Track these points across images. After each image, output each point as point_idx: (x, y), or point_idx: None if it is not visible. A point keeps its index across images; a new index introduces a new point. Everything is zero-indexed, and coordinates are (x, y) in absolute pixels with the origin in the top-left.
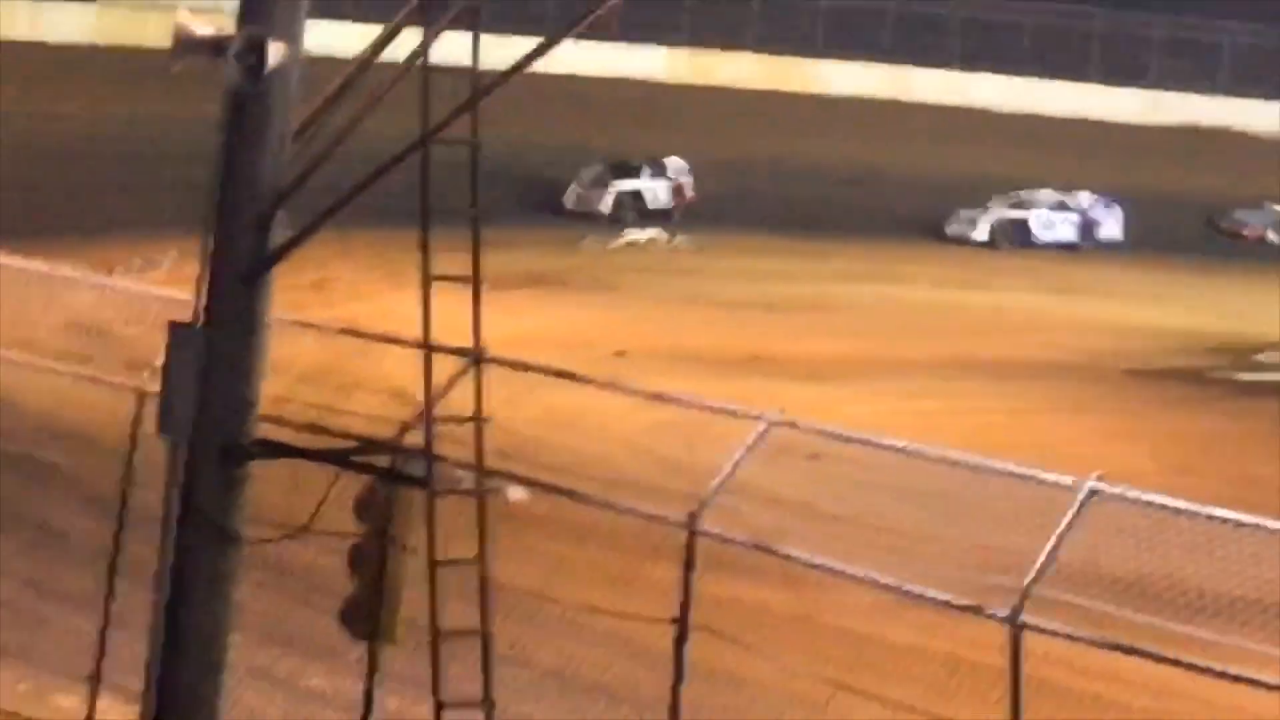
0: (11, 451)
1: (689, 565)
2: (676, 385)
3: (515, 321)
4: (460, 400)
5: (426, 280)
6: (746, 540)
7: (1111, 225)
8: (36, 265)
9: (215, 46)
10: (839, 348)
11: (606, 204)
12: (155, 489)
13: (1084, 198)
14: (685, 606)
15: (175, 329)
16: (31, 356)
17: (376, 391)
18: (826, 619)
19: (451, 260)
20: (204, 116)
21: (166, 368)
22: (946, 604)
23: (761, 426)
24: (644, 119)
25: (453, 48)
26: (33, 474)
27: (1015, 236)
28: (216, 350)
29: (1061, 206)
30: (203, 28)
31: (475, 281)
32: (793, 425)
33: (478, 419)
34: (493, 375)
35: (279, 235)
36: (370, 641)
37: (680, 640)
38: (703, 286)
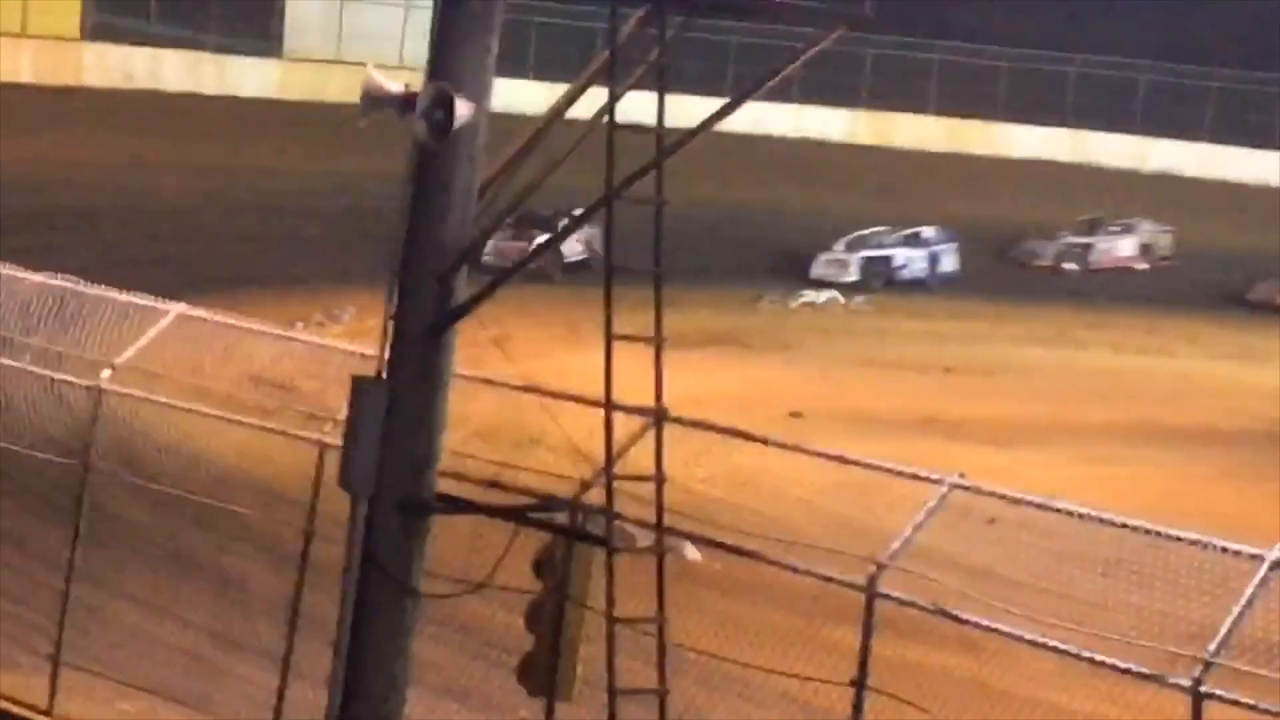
0: (194, 502)
1: (868, 628)
2: (853, 447)
3: (692, 380)
4: (638, 458)
5: (609, 338)
6: (926, 604)
7: (949, 259)
8: (219, 317)
9: (403, 102)
10: (1017, 411)
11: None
12: (336, 541)
13: (929, 232)
14: (863, 669)
15: (358, 383)
16: (214, 408)
17: (554, 449)
18: (1006, 685)
19: (632, 319)
20: (385, 172)
21: (349, 421)
22: (1128, 672)
23: (942, 490)
24: (823, 179)
25: (637, 107)
26: (215, 524)
27: (881, 274)
28: (398, 404)
29: (912, 242)
30: (391, 83)
31: (657, 341)
32: (974, 489)
33: (659, 478)
34: (671, 434)
35: (462, 291)
36: (547, 698)
37: (858, 703)
38: (880, 348)
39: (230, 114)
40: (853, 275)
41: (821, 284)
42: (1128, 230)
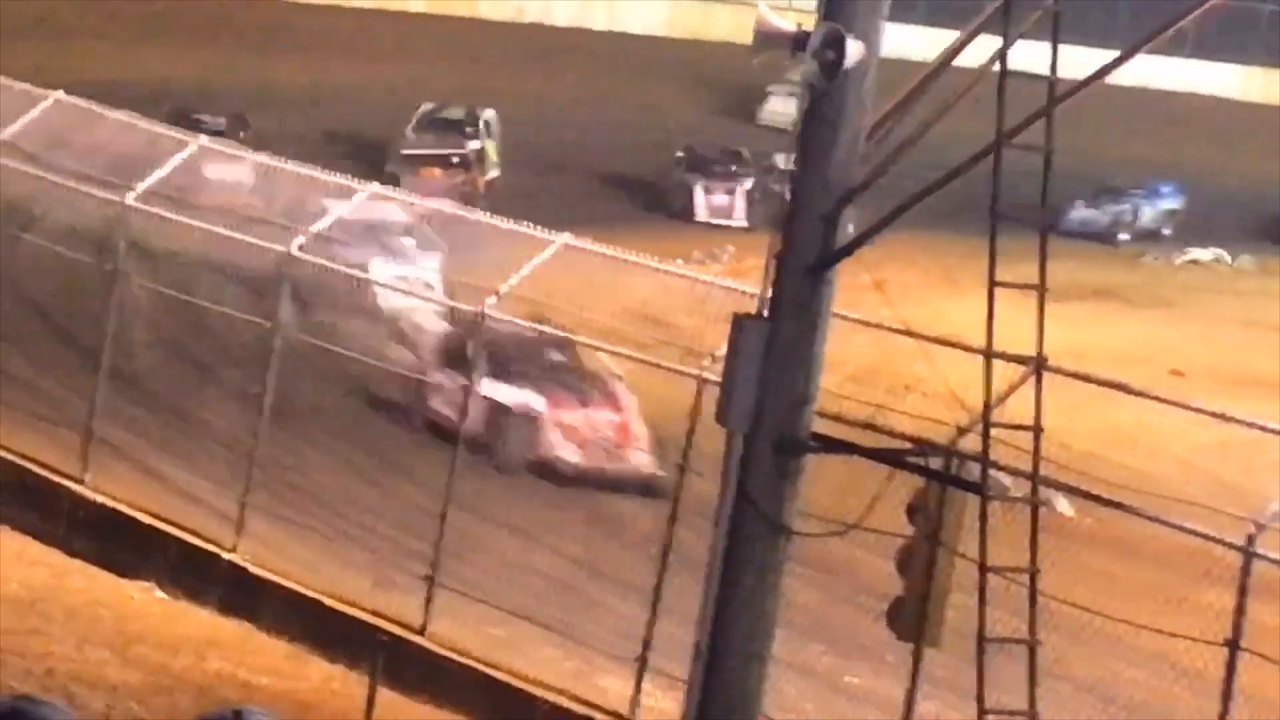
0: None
1: (1243, 589)
2: (1234, 407)
3: (1071, 333)
4: (1015, 408)
5: (992, 284)
6: None
7: None
8: (602, 249)
9: (794, 41)
10: None
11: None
12: (709, 477)
13: None
14: (1237, 630)
15: (740, 320)
16: (594, 338)
17: (929, 395)
18: None
19: (1013, 268)
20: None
21: (729, 357)
22: None
23: None
24: (1213, 135)
25: (1028, 54)
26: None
27: None
28: (778, 342)
29: None
30: (782, 22)
31: (1040, 289)
32: None
33: (1037, 428)
34: (1048, 386)
35: (844, 232)
36: (915, 643)
37: (1231, 664)
38: (1265, 309)
39: (617, 50)
40: None
41: None
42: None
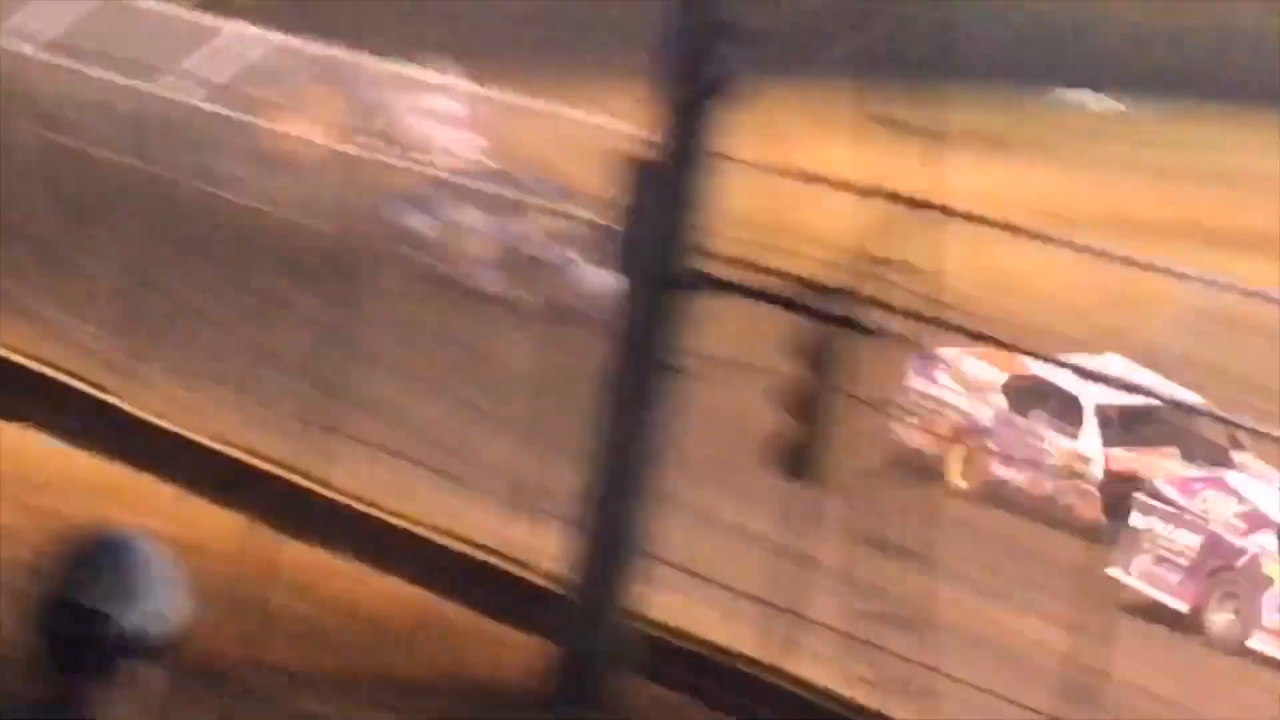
0: (441, 273)
1: None
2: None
3: (954, 179)
4: (900, 251)
5: (872, 124)
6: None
7: None
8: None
9: None
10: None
11: None
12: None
13: None
14: None
15: (627, 161)
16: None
17: (811, 239)
18: None
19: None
20: None
21: (618, 200)
22: None
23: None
24: None
25: None
26: (465, 295)
27: None
28: (662, 182)
29: None
30: None
31: (927, 133)
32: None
33: (916, 268)
34: (926, 230)
35: (729, 72)
36: (799, 482)
37: None
38: (1140, 154)
39: None
40: None
41: None
42: None
